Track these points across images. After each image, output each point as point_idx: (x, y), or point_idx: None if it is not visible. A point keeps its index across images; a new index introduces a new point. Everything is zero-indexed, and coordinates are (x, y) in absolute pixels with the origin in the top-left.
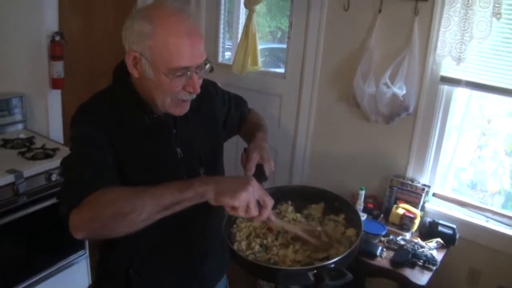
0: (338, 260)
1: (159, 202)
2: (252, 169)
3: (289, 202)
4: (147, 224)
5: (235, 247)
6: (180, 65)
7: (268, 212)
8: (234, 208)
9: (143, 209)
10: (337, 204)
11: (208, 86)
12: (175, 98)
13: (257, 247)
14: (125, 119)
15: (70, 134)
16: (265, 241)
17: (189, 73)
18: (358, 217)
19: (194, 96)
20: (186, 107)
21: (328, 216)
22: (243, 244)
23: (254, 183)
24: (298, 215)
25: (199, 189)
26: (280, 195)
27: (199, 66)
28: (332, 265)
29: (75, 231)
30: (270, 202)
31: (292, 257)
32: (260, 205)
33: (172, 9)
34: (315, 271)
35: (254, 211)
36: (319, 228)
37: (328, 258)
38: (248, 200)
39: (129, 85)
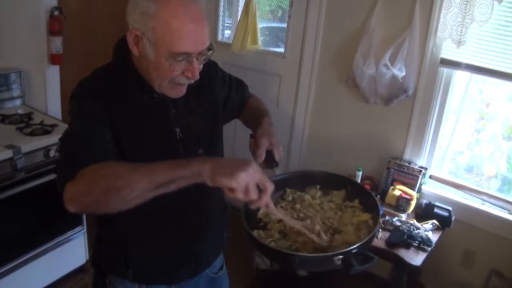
0: (361, 245)
1: (153, 179)
2: (262, 155)
3: (318, 187)
4: (141, 202)
5: (254, 233)
6: (181, 50)
7: (267, 198)
8: (232, 190)
9: (136, 185)
10: (349, 189)
11: (209, 67)
12: (172, 82)
13: (276, 235)
14: (125, 96)
15: (69, 109)
16: (282, 227)
17: (189, 58)
18: (374, 200)
19: (192, 81)
20: (182, 91)
21: (344, 202)
22: (262, 232)
23: (254, 165)
24: (325, 200)
25: (196, 167)
26: (308, 179)
27: (201, 53)
28: (355, 250)
29: (68, 204)
30: (270, 186)
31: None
32: (260, 190)
33: None
34: (341, 256)
35: (253, 194)
36: (317, 227)
37: (349, 244)
38: (247, 182)
39: (129, 62)
